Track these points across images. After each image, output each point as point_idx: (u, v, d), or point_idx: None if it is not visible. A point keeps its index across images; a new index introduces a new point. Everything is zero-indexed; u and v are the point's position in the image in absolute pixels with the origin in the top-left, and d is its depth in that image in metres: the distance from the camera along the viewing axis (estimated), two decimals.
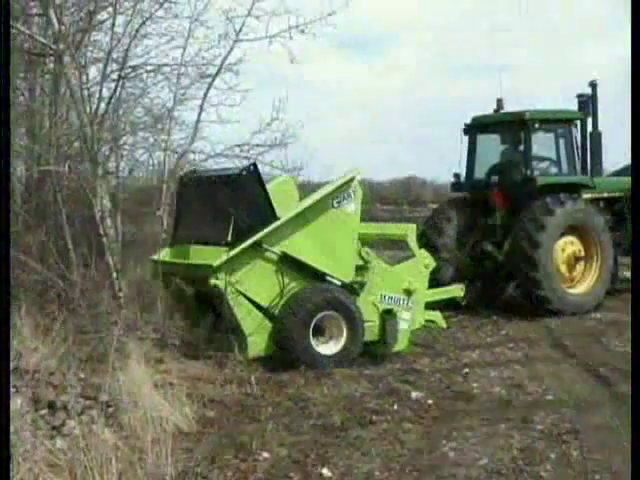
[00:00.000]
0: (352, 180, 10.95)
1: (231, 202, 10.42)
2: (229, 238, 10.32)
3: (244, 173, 10.46)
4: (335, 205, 10.82)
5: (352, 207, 10.96)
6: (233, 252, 10.13)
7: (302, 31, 14.29)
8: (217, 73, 15.03)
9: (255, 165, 10.76)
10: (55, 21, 13.00)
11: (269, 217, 10.47)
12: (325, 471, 6.86)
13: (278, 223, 10.45)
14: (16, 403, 7.06)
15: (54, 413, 7.30)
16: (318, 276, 10.74)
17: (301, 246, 10.61)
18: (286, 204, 11.16)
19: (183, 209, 11.67)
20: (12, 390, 7.27)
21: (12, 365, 7.62)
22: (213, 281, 10.06)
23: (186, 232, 11.40)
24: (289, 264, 10.50)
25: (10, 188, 5.84)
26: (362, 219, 11.38)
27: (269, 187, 11.17)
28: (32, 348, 8.46)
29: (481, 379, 9.93)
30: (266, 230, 10.35)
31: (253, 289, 10.38)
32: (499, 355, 11.39)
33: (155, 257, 11.47)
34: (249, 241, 10.24)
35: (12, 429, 6.41)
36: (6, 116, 5.77)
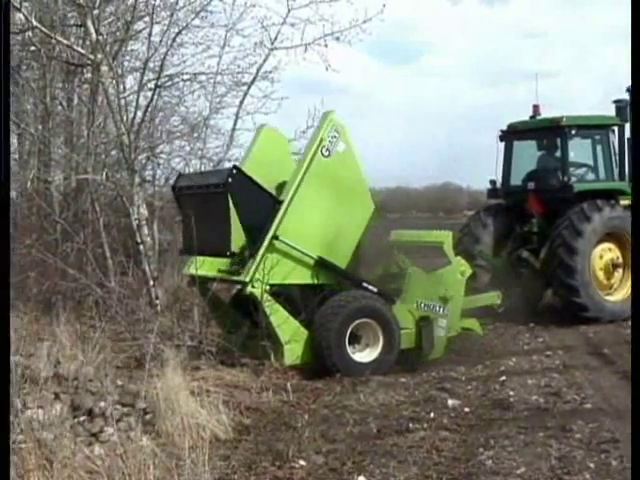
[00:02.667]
0: (329, 123, 10.75)
1: (228, 211, 10.29)
2: (232, 248, 10.34)
3: (230, 180, 10.25)
4: (325, 154, 10.68)
5: (341, 146, 10.78)
6: (258, 258, 10.16)
7: (337, 38, 14.32)
8: (253, 81, 15.11)
9: (235, 167, 10.60)
10: (93, 31, 13.14)
11: (271, 206, 10.40)
12: (362, 479, 6.85)
13: (283, 208, 10.37)
14: (55, 409, 7.13)
15: (92, 420, 7.37)
16: (355, 282, 10.76)
17: (316, 211, 10.59)
18: (280, 154, 11.39)
19: (186, 220, 11.63)
20: (51, 397, 7.36)
21: (52, 371, 7.71)
22: (249, 289, 10.10)
23: (193, 244, 11.37)
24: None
25: (10, 188, 5.86)
26: (397, 226, 11.33)
27: (258, 143, 11.43)
28: (70, 355, 8.53)
29: (518, 387, 9.85)
30: (276, 221, 10.30)
31: (289, 278, 10.49)
32: (536, 363, 11.29)
33: (188, 271, 11.40)
34: (266, 240, 10.22)
35: (52, 435, 6.48)
36: (6, 116, 5.79)
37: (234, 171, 10.40)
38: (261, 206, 10.39)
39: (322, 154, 10.67)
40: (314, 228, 10.60)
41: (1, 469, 5.26)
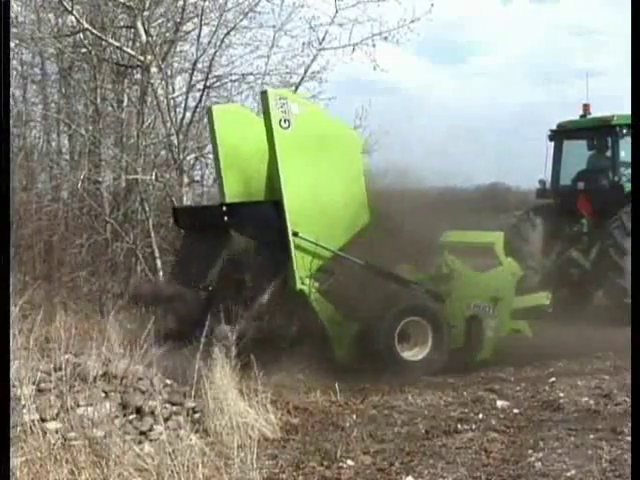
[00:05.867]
0: (270, 98, 10.09)
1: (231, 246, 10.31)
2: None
3: (227, 219, 10.06)
4: (285, 126, 10.10)
5: (295, 109, 10.17)
6: (293, 259, 10.11)
7: (385, 38, 14.36)
8: (301, 81, 15.20)
9: (224, 204, 10.46)
10: (143, 33, 13.29)
11: (275, 209, 10.18)
12: (410, 479, 6.83)
13: (285, 204, 10.09)
14: (105, 408, 7.19)
15: (142, 418, 7.41)
16: (403, 281, 10.73)
17: (313, 185, 10.32)
18: (244, 127, 10.92)
19: (183, 251, 11.64)
20: (101, 395, 7.42)
21: (101, 370, 7.77)
22: (299, 286, 10.09)
23: (187, 278, 11.23)
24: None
25: (10, 188, 5.91)
26: (446, 227, 11.28)
27: (219, 131, 10.91)
28: (120, 354, 8.59)
29: (568, 388, 9.73)
30: (287, 220, 10.06)
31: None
32: (586, 364, 11.16)
33: None
34: (290, 241, 10.10)
35: (102, 433, 6.54)
36: (6, 115, 5.84)
37: (225, 208, 10.24)
38: (267, 216, 10.26)
39: (283, 128, 10.07)
40: (319, 204, 10.34)
41: (1, 468, 5.29)
